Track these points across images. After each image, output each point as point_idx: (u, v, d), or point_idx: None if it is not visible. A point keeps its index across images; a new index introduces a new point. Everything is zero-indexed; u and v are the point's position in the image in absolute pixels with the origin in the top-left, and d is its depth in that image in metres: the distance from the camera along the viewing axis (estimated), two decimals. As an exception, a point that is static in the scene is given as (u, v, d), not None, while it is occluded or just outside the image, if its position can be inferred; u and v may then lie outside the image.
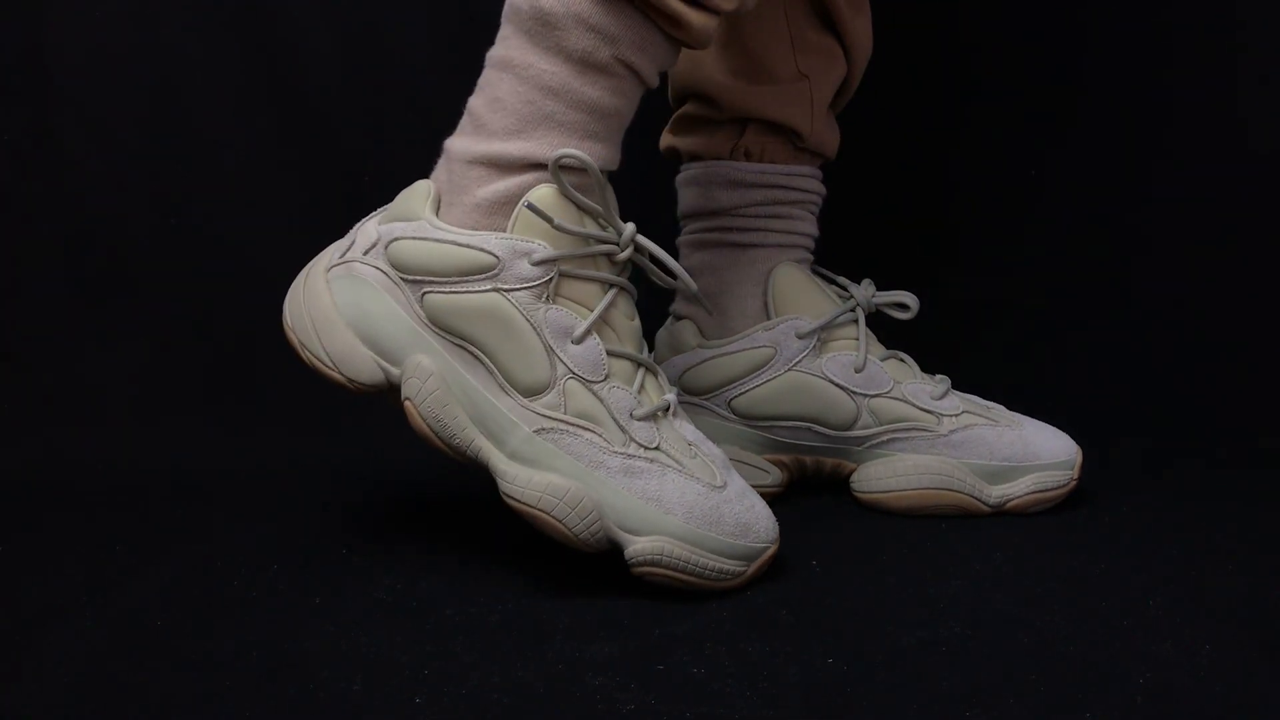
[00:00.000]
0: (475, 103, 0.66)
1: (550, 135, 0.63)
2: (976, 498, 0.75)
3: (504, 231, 0.63)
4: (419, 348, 0.64)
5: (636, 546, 0.61)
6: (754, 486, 0.76)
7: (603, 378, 0.63)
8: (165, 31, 1.06)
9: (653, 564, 0.61)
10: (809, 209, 0.82)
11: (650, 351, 0.83)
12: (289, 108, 1.07)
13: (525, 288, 0.62)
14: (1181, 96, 1.05)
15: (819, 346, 0.78)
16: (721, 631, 0.59)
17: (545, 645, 0.58)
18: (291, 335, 0.67)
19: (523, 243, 0.62)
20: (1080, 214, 1.08)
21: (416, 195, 0.65)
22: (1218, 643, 0.57)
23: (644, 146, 0.82)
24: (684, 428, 0.66)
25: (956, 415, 0.77)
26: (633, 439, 0.63)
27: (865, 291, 0.80)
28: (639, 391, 0.64)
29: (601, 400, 0.63)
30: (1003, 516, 0.76)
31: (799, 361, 0.77)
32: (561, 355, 0.63)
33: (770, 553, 0.64)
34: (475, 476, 0.86)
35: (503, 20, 0.65)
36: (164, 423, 0.98)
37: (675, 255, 0.83)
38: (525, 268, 0.62)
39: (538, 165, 0.63)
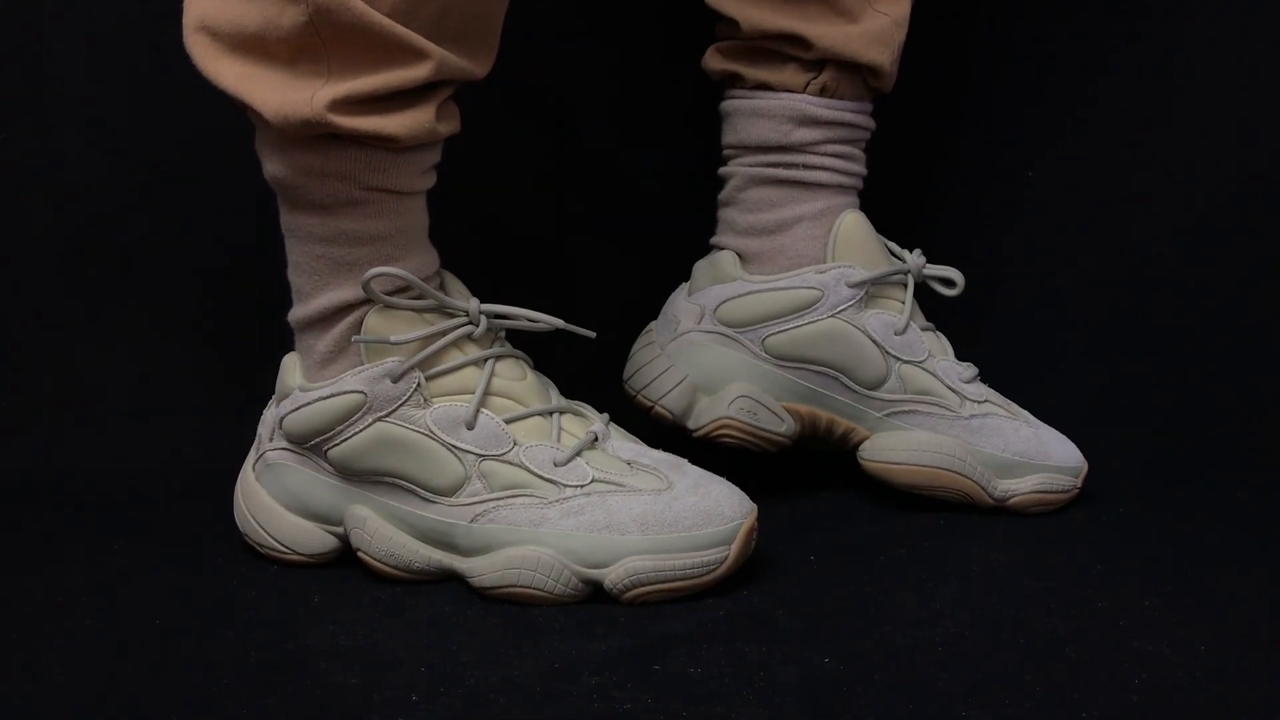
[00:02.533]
0: (288, 273, 0.68)
1: (349, 276, 0.65)
2: (983, 487, 0.75)
3: (356, 369, 0.65)
4: (348, 501, 0.67)
5: (611, 577, 0.62)
6: (768, 432, 0.76)
7: (511, 446, 0.64)
8: (165, 30, 1.06)
9: (633, 587, 0.62)
10: (863, 147, 0.81)
11: (685, 284, 0.81)
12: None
13: (399, 405, 0.64)
14: (1182, 93, 1.05)
15: (865, 300, 0.77)
16: (718, 631, 0.59)
17: (542, 644, 0.58)
18: (246, 537, 0.70)
19: (375, 369, 0.64)
20: (1079, 211, 1.08)
21: (286, 370, 0.69)
22: (1214, 643, 0.57)
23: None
24: (620, 448, 0.67)
25: (979, 402, 0.77)
26: (564, 485, 0.64)
27: (918, 260, 0.79)
28: (558, 439, 0.65)
29: (519, 465, 0.64)
30: (1000, 516, 0.76)
31: (844, 310, 0.76)
32: (463, 445, 0.64)
33: (746, 526, 0.63)
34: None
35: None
36: (163, 422, 0.98)
37: (722, 183, 0.81)
38: (389, 388, 0.64)
39: (352, 305, 0.65)
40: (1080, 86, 1.07)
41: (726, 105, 0.81)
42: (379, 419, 0.64)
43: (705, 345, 0.78)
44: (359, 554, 0.66)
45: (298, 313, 0.68)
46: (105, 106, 1.06)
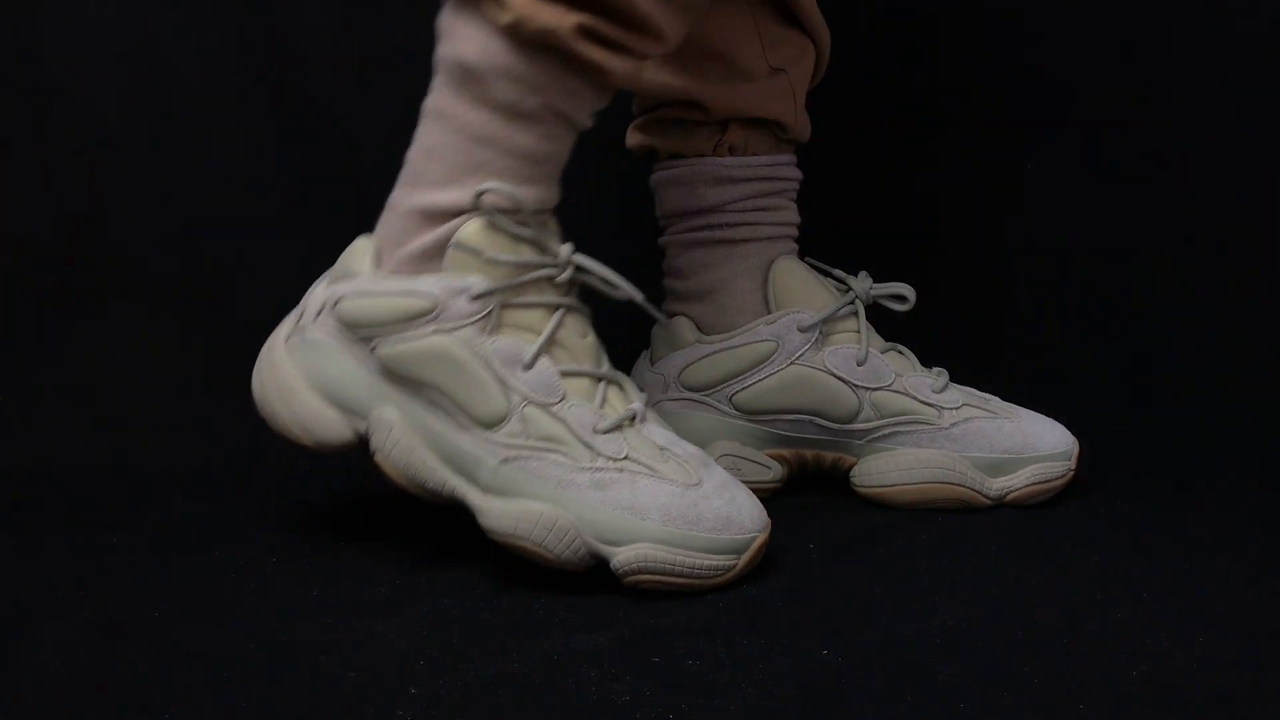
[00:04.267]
0: (412, 153, 0.66)
1: (482, 183, 0.64)
2: (978, 491, 0.76)
3: (437, 275, 0.64)
4: (380, 400, 0.65)
5: (620, 557, 0.62)
6: (755, 483, 0.76)
7: (559, 399, 0.64)
8: (164, 28, 1.06)
9: (638, 571, 0.62)
10: (790, 196, 0.83)
11: (647, 351, 0.83)
12: (288, 106, 1.08)
13: (466, 324, 0.63)
14: (1182, 91, 1.05)
15: (820, 340, 0.78)
16: (716, 623, 0.59)
17: (540, 637, 0.58)
18: (260, 408, 0.68)
19: (457, 281, 0.63)
20: (1076, 206, 1.08)
21: (355, 252, 0.67)
22: (1212, 635, 0.57)
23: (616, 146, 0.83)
24: (654, 433, 0.66)
25: (957, 409, 0.77)
26: (599, 453, 0.63)
27: (863, 284, 0.80)
28: (601, 405, 0.65)
29: (561, 420, 0.63)
30: (998, 509, 0.76)
31: (801, 355, 0.77)
32: (514, 383, 0.63)
33: (760, 541, 0.64)
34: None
35: (435, 70, 0.66)
36: (162, 418, 0.98)
37: (661, 255, 0.83)
38: (463, 305, 0.63)
39: (469, 212, 0.64)
40: (1080, 84, 1.07)
41: (652, 180, 0.83)
42: (440, 331, 0.63)
43: (676, 413, 0.80)
44: (374, 456, 0.64)
45: (411, 198, 0.65)
46: (105, 106, 1.07)
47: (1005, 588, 0.64)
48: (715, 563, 0.63)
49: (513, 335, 0.64)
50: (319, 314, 0.67)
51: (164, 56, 1.06)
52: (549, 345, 0.65)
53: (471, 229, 0.64)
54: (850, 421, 0.78)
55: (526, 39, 0.61)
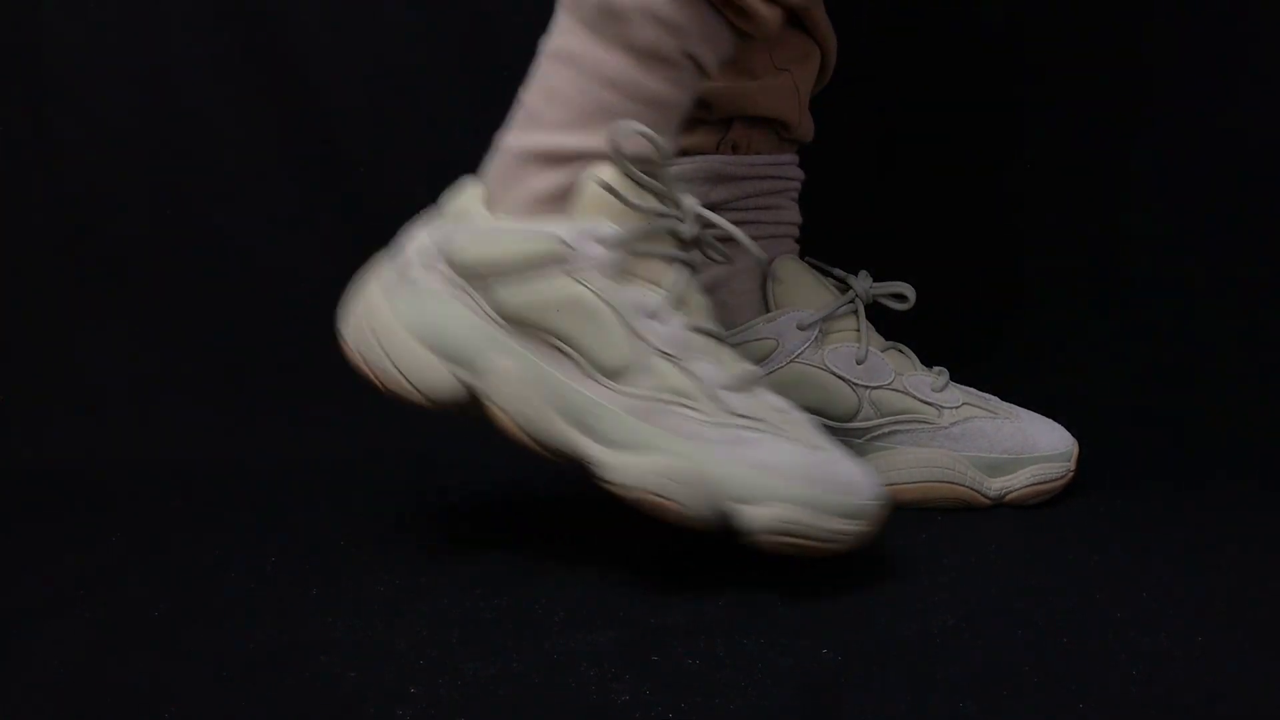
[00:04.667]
0: (528, 95, 0.64)
1: (607, 125, 0.62)
2: (977, 490, 0.76)
3: (564, 218, 0.62)
4: (495, 349, 0.61)
5: (754, 515, 0.59)
6: None
7: (688, 352, 0.62)
8: (163, 26, 1.06)
9: (775, 531, 0.59)
10: (792, 196, 0.83)
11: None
12: (288, 103, 1.08)
13: (597, 270, 0.61)
14: (1183, 91, 1.05)
15: (820, 339, 0.78)
16: (716, 623, 0.59)
17: (540, 636, 0.58)
18: (358, 360, 0.64)
19: (591, 225, 0.61)
20: (1076, 206, 1.08)
21: (467, 194, 0.64)
22: (1211, 636, 0.57)
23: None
24: (769, 396, 0.64)
25: (957, 408, 0.77)
26: (732, 410, 0.61)
27: (863, 283, 0.80)
28: (723, 364, 0.63)
29: (691, 375, 0.61)
30: (998, 509, 0.76)
31: (801, 354, 0.78)
32: (645, 333, 0.61)
33: (885, 508, 0.62)
34: (472, 474, 0.86)
35: (560, 10, 0.64)
36: (162, 417, 0.98)
37: None
38: (596, 250, 0.61)
39: (593, 157, 0.62)
40: (1080, 84, 1.07)
41: None
42: (569, 274, 0.60)
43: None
44: (488, 405, 0.61)
45: (529, 139, 0.63)
46: (105, 106, 1.07)
47: (1005, 588, 0.64)
48: (846, 527, 0.60)
49: (640, 285, 0.62)
50: (425, 261, 0.63)
51: (164, 56, 1.06)
52: (674, 298, 0.63)
53: (608, 173, 0.61)
54: (850, 420, 0.78)
55: None
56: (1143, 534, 0.72)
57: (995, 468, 0.76)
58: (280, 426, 0.97)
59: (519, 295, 0.61)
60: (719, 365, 0.62)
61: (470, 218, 0.63)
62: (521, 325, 0.61)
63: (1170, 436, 0.93)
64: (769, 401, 0.64)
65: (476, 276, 0.62)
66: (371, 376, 0.63)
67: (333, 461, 0.89)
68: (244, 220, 1.08)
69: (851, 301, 0.79)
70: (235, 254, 1.07)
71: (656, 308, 0.62)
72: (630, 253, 0.62)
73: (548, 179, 0.62)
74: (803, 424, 0.63)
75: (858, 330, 0.79)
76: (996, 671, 0.54)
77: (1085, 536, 0.71)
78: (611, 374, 0.61)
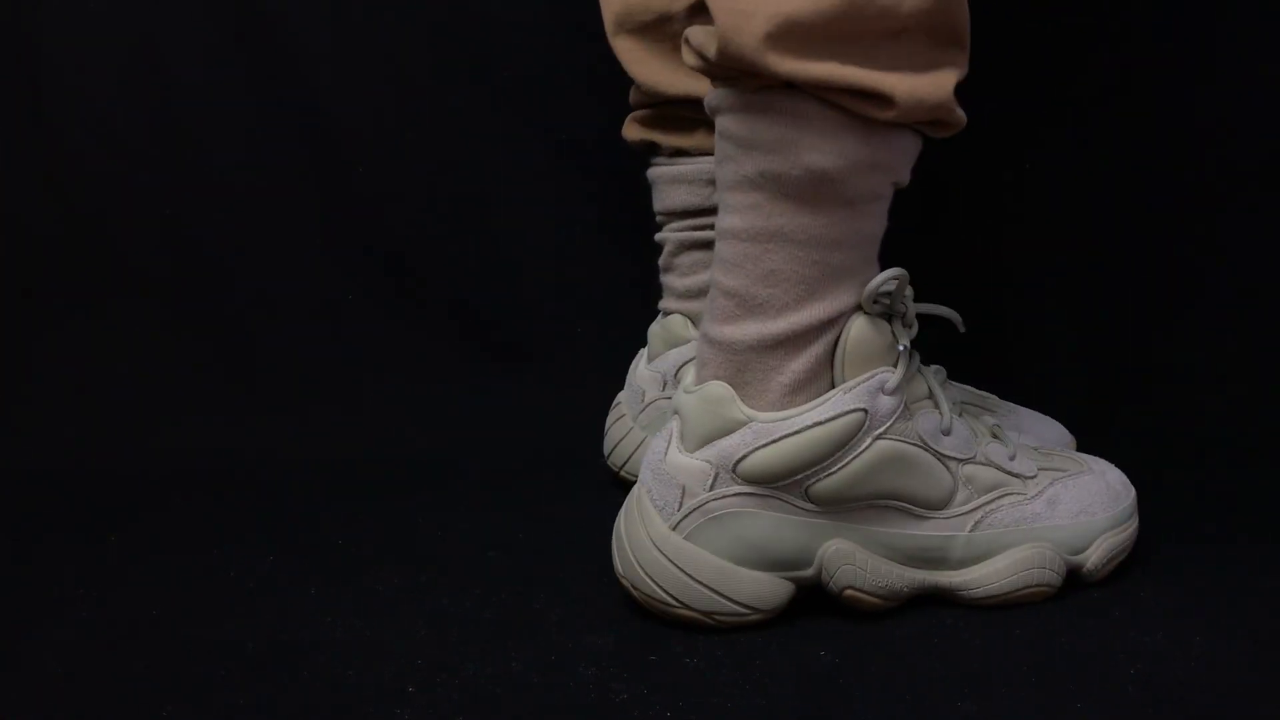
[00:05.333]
0: (735, 283, 0.60)
1: (838, 285, 0.60)
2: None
3: (844, 386, 0.60)
4: (822, 537, 0.60)
5: (1092, 561, 0.63)
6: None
7: (976, 444, 0.63)
8: (163, 28, 1.06)
9: (1108, 561, 0.64)
10: None
11: (644, 349, 0.82)
12: (288, 105, 1.08)
13: (894, 419, 0.60)
14: (1183, 90, 1.05)
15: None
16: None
17: (539, 636, 0.58)
18: (689, 614, 0.60)
19: (870, 382, 0.60)
20: (1076, 206, 1.08)
21: (724, 403, 0.60)
22: (1209, 635, 0.57)
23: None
24: (1024, 438, 0.69)
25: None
26: (1028, 477, 0.64)
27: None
28: (979, 435, 0.65)
29: (991, 464, 0.63)
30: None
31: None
32: (949, 453, 0.62)
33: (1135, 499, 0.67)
34: (472, 474, 0.86)
35: (733, 190, 0.60)
36: (162, 418, 0.98)
37: (657, 250, 0.82)
38: (884, 402, 0.60)
39: (836, 320, 0.60)
40: (1080, 84, 1.07)
41: (650, 173, 0.82)
42: (878, 437, 0.59)
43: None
44: (847, 592, 0.60)
45: (764, 329, 0.59)
46: (105, 106, 1.07)
47: (1005, 587, 0.64)
48: (1132, 526, 0.66)
49: (919, 409, 0.62)
50: (710, 485, 0.60)
51: (164, 56, 1.07)
52: (938, 401, 0.63)
53: (858, 330, 0.60)
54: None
55: (913, 118, 0.58)
56: (1142, 533, 0.72)
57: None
58: (280, 426, 0.97)
59: (842, 477, 0.59)
60: (997, 441, 0.65)
61: (737, 426, 0.60)
62: (847, 501, 0.60)
63: (1170, 436, 0.93)
64: (1027, 444, 0.68)
65: (783, 480, 0.59)
66: (704, 620, 0.60)
67: (333, 461, 0.89)
68: (244, 220, 1.08)
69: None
70: (235, 254, 1.07)
71: (942, 423, 0.62)
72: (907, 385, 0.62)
73: (803, 359, 0.60)
74: (1055, 452, 0.68)
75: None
76: (994, 671, 0.54)
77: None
78: (938, 505, 0.62)
